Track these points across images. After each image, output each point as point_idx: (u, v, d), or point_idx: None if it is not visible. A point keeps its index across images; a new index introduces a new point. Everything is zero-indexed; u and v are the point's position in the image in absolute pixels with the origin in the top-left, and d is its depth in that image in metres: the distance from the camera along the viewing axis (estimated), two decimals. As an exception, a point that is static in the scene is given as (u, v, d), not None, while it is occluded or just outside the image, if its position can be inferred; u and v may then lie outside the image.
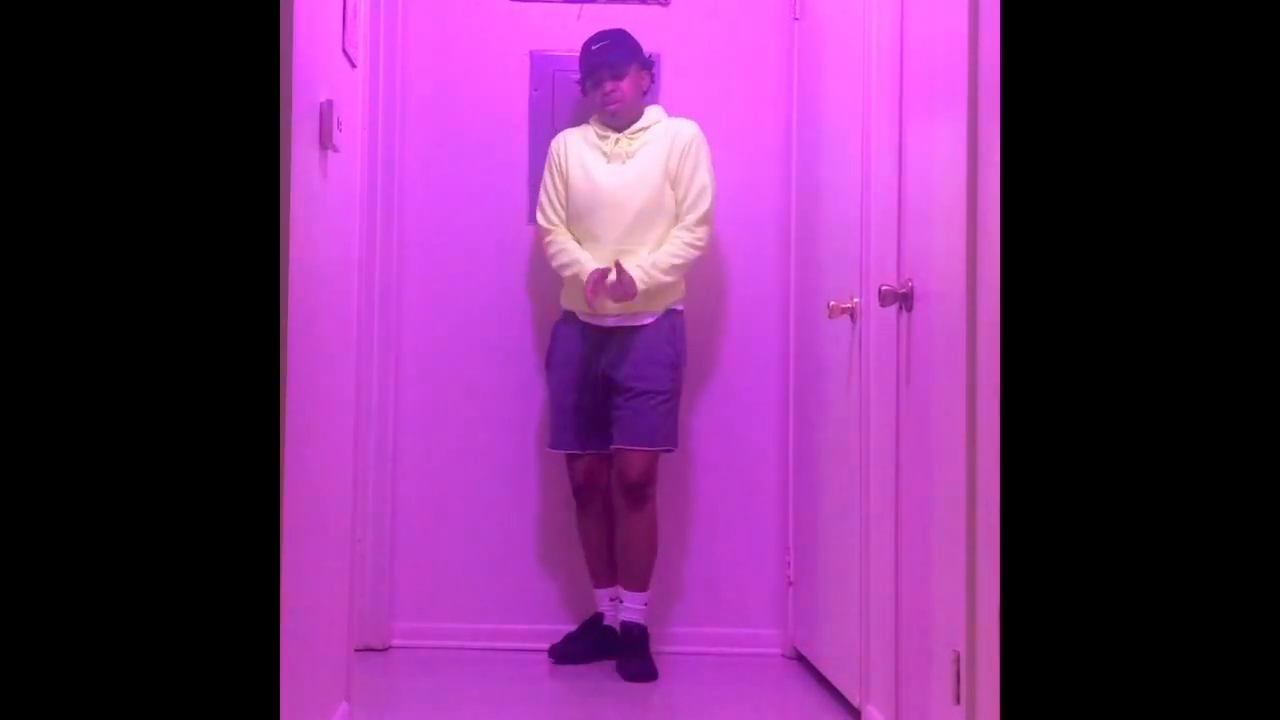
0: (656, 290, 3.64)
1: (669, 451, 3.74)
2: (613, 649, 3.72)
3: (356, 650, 3.11)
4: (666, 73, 4.04)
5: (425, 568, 3.97)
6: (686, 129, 3.75)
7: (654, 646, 3.79)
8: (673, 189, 3.71)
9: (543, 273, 3.89)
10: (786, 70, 4.00)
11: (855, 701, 3.13)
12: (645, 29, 4.03)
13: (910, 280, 2.74)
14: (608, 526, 3.77)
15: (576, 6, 3.92)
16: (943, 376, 2.48)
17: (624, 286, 3.57)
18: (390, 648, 3.91)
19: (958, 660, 2.32)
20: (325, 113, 2.43)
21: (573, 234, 3.74)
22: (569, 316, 3.77)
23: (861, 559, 3.06)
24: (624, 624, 3.71)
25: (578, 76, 3.83)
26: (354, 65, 2.74)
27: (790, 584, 3.89)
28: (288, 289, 2.10)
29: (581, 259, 3.67)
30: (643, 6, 4.04)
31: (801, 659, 3.79)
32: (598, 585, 3.80)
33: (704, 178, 3.72)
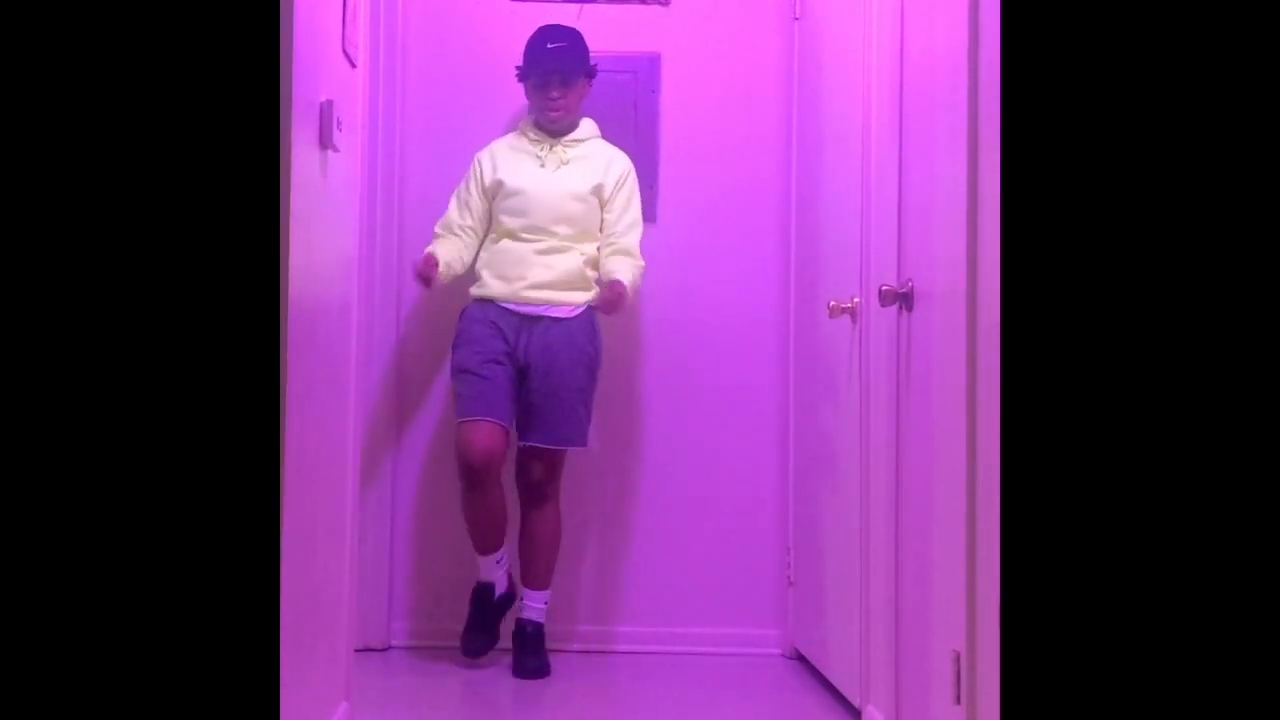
0: (581, 282, 3.64)
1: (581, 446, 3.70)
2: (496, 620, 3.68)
3: (356, 650, 3.11)
4: (666, 73, 4.04)
5: (424, 568, 3.97)
6: (623, 159, 3.73)
7: (655, 647, 3.86)
8: (603, 210, 3.68)
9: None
10: (786, 70, 3.99)
11: (855, 701, 3.13)
12: (645, 29, 4.04)
13: (910, 280, 2.74)
14: (500, 508, 3.60)
15: (576, 6, 3.92)
16: (943, 376, 2.48)
17: (614, 293, 3.56)
18: (390, 648, 3.91)
19: (958, 660, 2.32)
20: (325, 113, 2.43)
21: (500, 242, 3.65)
22: (483, 301, 3.66)
23: (861, 559, 3.06)
24: (522, 621, 3.66)
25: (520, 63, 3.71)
26: (354, 65, 2.74)
27: (790, 584, 3.89)
28: (288, 289, 2.10)
29: (434, 247, 3.62)
30: (643, 6, 4.04)
31: (801, 659, 3.79)
32: (484, 552, 3.61)
33: (637, 212, 3.72)
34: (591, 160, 3.71)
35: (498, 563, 3.64)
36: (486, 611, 3.65)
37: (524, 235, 3.64)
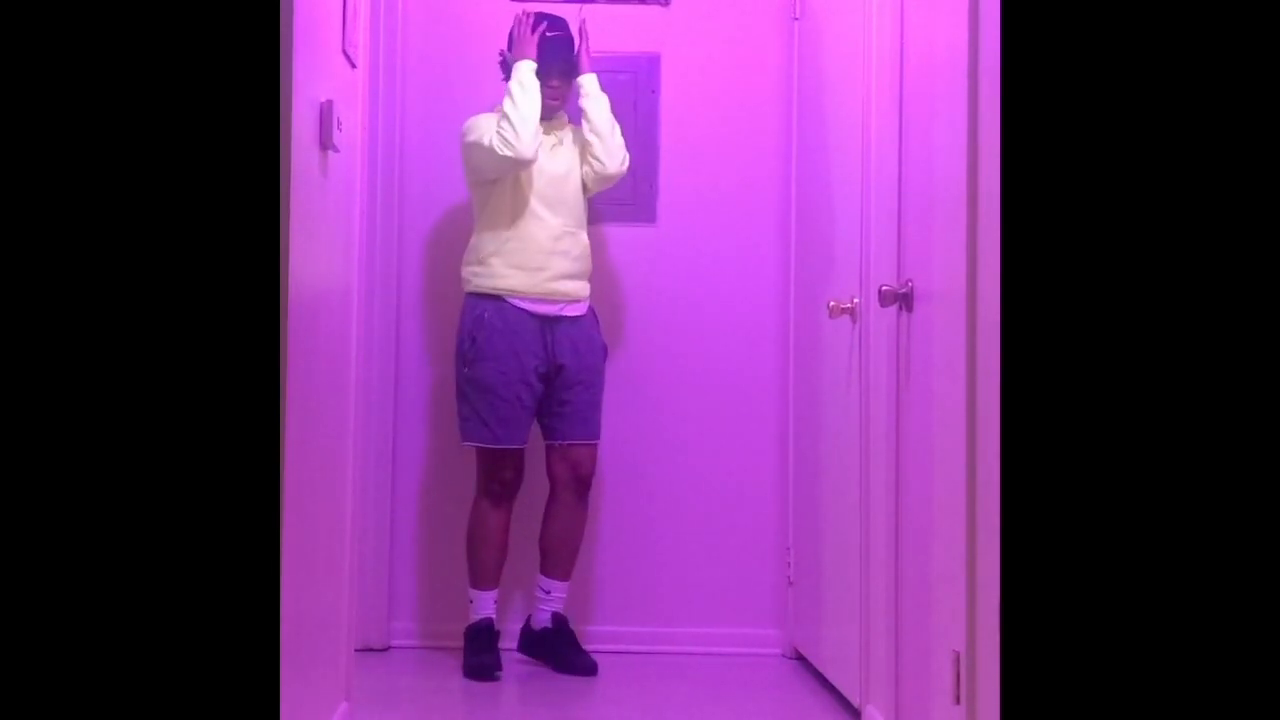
0: (587, 271, 3.70)
1: None
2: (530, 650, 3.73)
3: (356, 650, 3.11)
4: (666, 73, 4.04)
5: (425, 568, 3.97)
6: None
7: (655, 647, 3.90)
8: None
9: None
10: (786, 70, 4.00)
11: (855, 701, 3.13)
12: (645, 29, 4.04)
13: (910, 280, 2.74)
14: (509, 527, 3.69)
15: (576, 6, 3.92)
16: (943, 376, 2.48)
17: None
18: (390, 648, 3.91)
19: (958, 660, 2.32)
20: (325, 113, 2.43)
21: (517, 222, 3.58)
22: (498, 303, 3.58)
23: (861, 559, 3.06)
24: (559, 616, 3.70)
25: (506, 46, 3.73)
26: (354, 65, 2.74)
27: (790, 584, 3.89)
28: (287, 289, 2.10)
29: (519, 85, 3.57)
30: (643, 6, 4.05)
31: (801, 659, 3.80)
32: (487, 587, 3.66)
33: None
34: (572, 136, 3.74)
35: (495, 600, 3.68)
36: (491, 642, 3.65)
37: (544, 216, 3.61)
